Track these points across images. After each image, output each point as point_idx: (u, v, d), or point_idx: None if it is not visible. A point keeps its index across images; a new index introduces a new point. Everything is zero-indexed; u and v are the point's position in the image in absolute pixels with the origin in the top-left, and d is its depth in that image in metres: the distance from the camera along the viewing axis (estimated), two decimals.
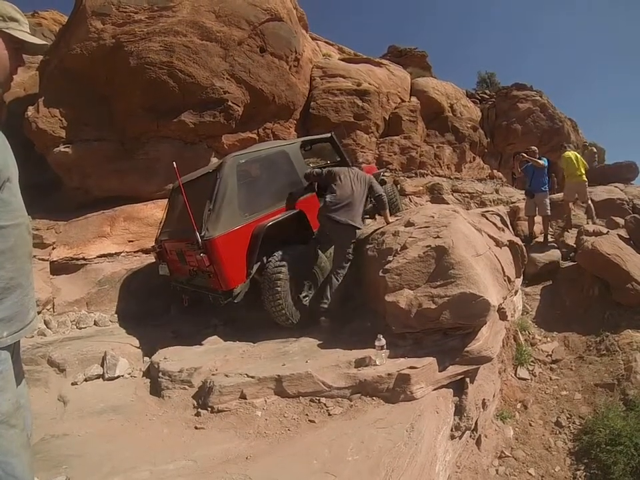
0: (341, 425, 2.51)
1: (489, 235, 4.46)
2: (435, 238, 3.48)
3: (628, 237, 6.33)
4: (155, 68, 6.19)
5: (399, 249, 3.61)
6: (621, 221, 7.10)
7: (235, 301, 3.97)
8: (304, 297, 4.16)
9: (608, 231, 6.41)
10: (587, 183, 7.43)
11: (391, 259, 3.56)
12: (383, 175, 6.80)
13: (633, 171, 12.31)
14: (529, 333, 5.34)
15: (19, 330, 1.33)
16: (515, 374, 4.59)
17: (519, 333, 5.11)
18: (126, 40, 6.20)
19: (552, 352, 4.97)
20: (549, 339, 5.26)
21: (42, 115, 6.24)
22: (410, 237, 3.67)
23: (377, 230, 4.26)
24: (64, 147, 6.33)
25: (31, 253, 1.44)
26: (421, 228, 3.79)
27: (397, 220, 4.37)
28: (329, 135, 5.73)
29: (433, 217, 3.98)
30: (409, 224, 3.98)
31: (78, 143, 6.41)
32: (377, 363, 2.91)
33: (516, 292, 5.56)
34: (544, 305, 5.95)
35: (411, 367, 2.77)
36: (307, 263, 4.27)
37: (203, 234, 3.68)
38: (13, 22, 1.34)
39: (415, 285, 3.28)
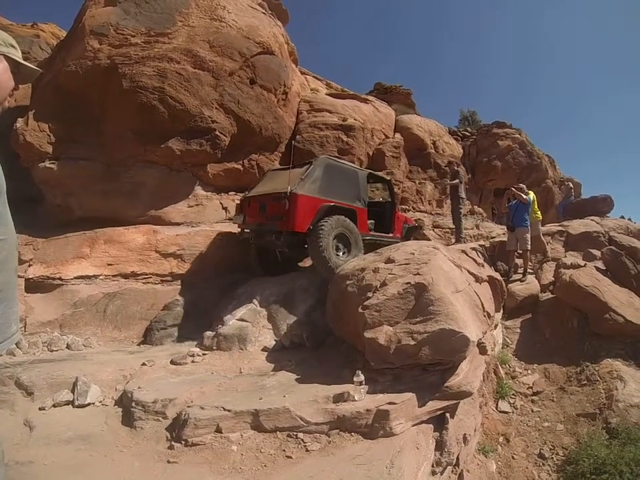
0: (319, 461, 2.47)
1: (468, 271, 4.56)
2: (415, 275, 3.54)
3: (605, 268, 6.52)
4: (146, 92, 6.24)
5: (378, 286, 3.65)
6: (597, 253, 7.34)
7: (287, 250, 5.76)
8: (342, 254, 5.55)
9: (585, 264, 6.60)
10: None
11: (370, 295, 3.59)
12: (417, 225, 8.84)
13: (608, 204, 12.69)
14: (510, 366, 5.40)
15: (2, 342, 1.30)
16: (496, 407, 4.61)
17: (500, 366, 5.16)
18: (121, 62, 6.25)
19: (533, 384, 5.02)
20: (529, 372, 5.31)
21: (30, 128, 6.18)
22: (390, 274, 3.72)
23: (357, 266, 4.30)
24: (49, 163, 6.25)
25: (17, 267, 1.44)
26: (401, 265, 3.85)
27: (377, 256, 4.44)
28: (388, 177, 8.19)
29: (413, 253, 4.05)
30: (389, 261, 4.03)
31: (64, 160, 6.35)
32: (356, 398, 2.89)
33: (496, 326, 5.63)
34: (524, 337, 6.04)
35: (390, 403, 2.76)
36: (344, 228, 5.64)
37: (292, 190, 5.22)
38: (12, 48, 1.40)
39: (395, 321, 3.31)
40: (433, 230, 10.86)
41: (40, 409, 3.40)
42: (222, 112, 7.05)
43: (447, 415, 3.12)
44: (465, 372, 3.30)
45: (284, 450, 2.62)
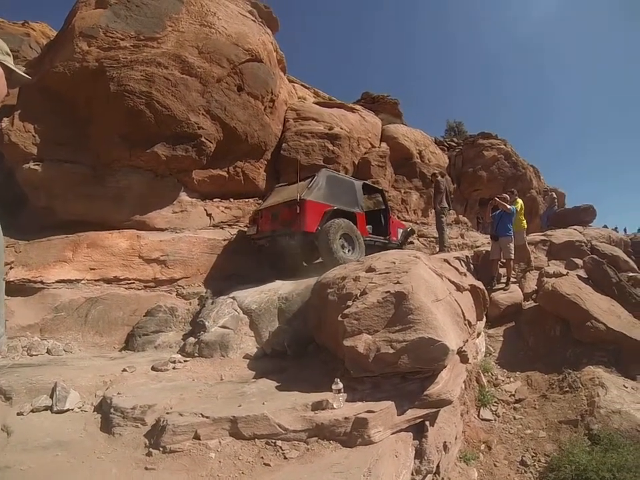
0: (297, 469, 2.45)
1: (449, 280, 4.58)
2: (395, 284, 3.54)
3: (587, 276, 6.62)
4: (133, 96, 6.23)
5: (358, 294, 3.65)
6: (579, 261, 7.45)
7: (299, 250, 6.38)
8: (347, 252, 6.36)
9: (567, 272, 6.69)
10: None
11: (350, 303, 3.59)
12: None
13: (590, 214, 12.90)
14: (492, 374, 5.41)
15: None
16: (478, 415, 4.59)
17: (482, 374, 5.17)
18: (109, 65, 6.25)
19: (515, 392, 5.03)
20: (512, 379, 5.33)
21: (16, 129, 6.15)
22: (370, 283, 3.73)
23: (338, 275, 4.31)
24: (34, 164, 6.21)
25: (3, 270, 1.43)
26: (381, 274, 3.86)
27: (359, 265, 4.44)
28: (380, 188, 9.09)
29: (394, 262, 4.05)
30: (370, 269, 4.04)
31: (49, 162, 6.32)
32: (334, 406, 2.88)
33: (479, 334, 5.68)
34: (507, 346, 6.08)
35: (369, 411, 2.75)
36: (348, 229, 6.49)
37: (301, 197, 6.08)
38: (7, 56, 1.45)
39: (374, 329, 3.30)
40: (418, 239, 10.95)
41: (18, 414, 3.34)
42: (208, 118, 7.06)
43: (427, 423, 3.12)
44: (445, 380, 3.30)
45: (262, 457, 2.59)
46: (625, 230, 19.18)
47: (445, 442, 3.31)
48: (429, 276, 3.94)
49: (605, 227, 13.60)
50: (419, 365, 3.10)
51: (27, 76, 1.58)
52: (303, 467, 2.47)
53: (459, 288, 4.73)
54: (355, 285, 3.82)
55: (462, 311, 4.18)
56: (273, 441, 2.71)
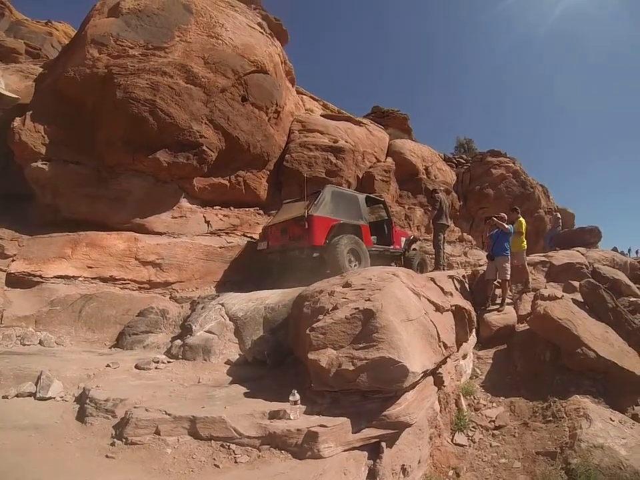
0: (243, 474, 2.54)
1: (428, 300, 4.55)
2: (366, 301, 3.57)
3: (583, 301, 6.42)
4: (138, 104, 6.44)
5: (330, 309, 3.68)
6: (577, 284, 7.18)
7: (308, 264, 6.70)
8: (353, 266, 6.60)
9: (563, 295, 6.48)
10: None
11: (321, 317, 3.62)
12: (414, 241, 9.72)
13: (595, 235, 12.68)
14: (475, 398, 5.23)
15: None
16: (452, 440, 4.38)
17: (462, 397, 4.99)
18: (117, 72, 6.48)
19: (496, 418, 4.81)
20: (494, 404, 5.12)
21: (27, 128, 6.40)
22: (343, 298, 3.76)
23: (317, 288, 4.34)
24: (41, 163, 6.46)
25: None
26: (356, 290, 3.88)
27: (339, 279, 4.47)
28: (382, 199, 9.21)
29: (371, 279, 4.06)
30: (346, 285, 4.06)
31: (56, 162, 6.56)
32: (291, 417, 2.94)
33: (465, 356, 5.59)
34: (495, 369, 5.92)
35: (321, 425, 2.80)
36: (355, 245, 6.81)
37: (309, 213, 6.41)
38: None
39: (339, 345, 3.33)
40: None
41: (3, 397, 3.55)
42: (211, 127, 7.23)
43: (383, 444, 3.08)
44: (409, 402, 3.29)
45: (214, 458, 2.70)
46: (638, 252, 18.54)
47: (404, 465, 3.24)
48: (403, 295, 3.94)
49: (615, 249, 13.31)
50: (377, 385, 3.11)
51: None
52: (250, 473, 2.55)
53: (439, 308, 4.68)
54: (328, 299, 3.86)
55: (437, 332, 4.12)
56: (228, 444, 2.81)
